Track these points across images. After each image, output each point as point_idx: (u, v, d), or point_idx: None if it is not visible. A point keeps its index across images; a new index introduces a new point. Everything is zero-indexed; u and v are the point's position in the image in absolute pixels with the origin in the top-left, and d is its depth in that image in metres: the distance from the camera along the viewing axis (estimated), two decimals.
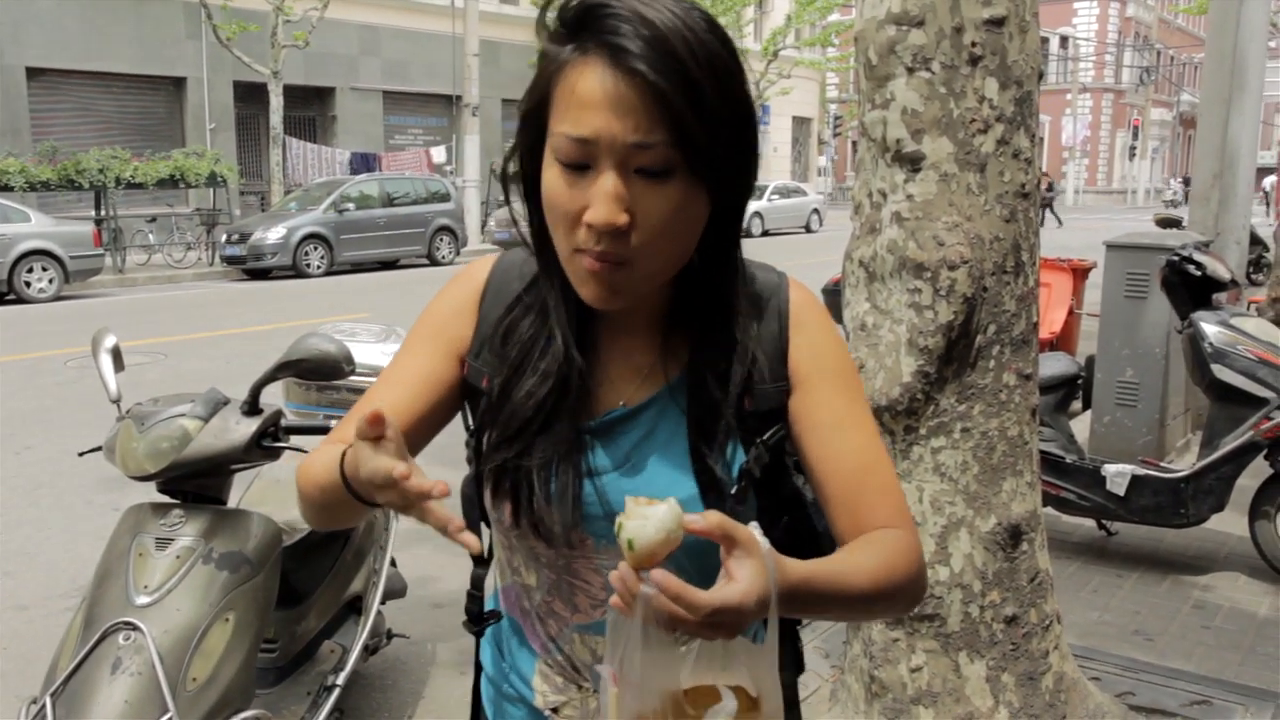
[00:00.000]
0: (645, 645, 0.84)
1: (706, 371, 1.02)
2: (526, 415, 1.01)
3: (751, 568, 0.82)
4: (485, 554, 1.15)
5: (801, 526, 1.11)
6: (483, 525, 1.11)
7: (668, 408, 1.04)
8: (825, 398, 1.04)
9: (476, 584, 1.16)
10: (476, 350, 1.07)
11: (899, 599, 1.00)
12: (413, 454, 0.98)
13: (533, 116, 0.95)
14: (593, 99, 0.87)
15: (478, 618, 1.16)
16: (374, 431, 0.81)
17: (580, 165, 0.89)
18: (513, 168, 1.00)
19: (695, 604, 0.79)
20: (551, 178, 0.92)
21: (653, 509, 0.82)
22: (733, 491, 1.01)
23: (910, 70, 2.39)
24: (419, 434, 1.05)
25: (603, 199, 0.88)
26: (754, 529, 0.84)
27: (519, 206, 1.02)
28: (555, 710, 1.11)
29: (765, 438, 1.04)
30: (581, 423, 1.02)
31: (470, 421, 1.10)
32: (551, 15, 0.92)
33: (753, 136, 0.96)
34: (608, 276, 0.92)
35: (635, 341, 1.05)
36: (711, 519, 0.82)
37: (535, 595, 1.09)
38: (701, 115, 0.87)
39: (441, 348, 1.08)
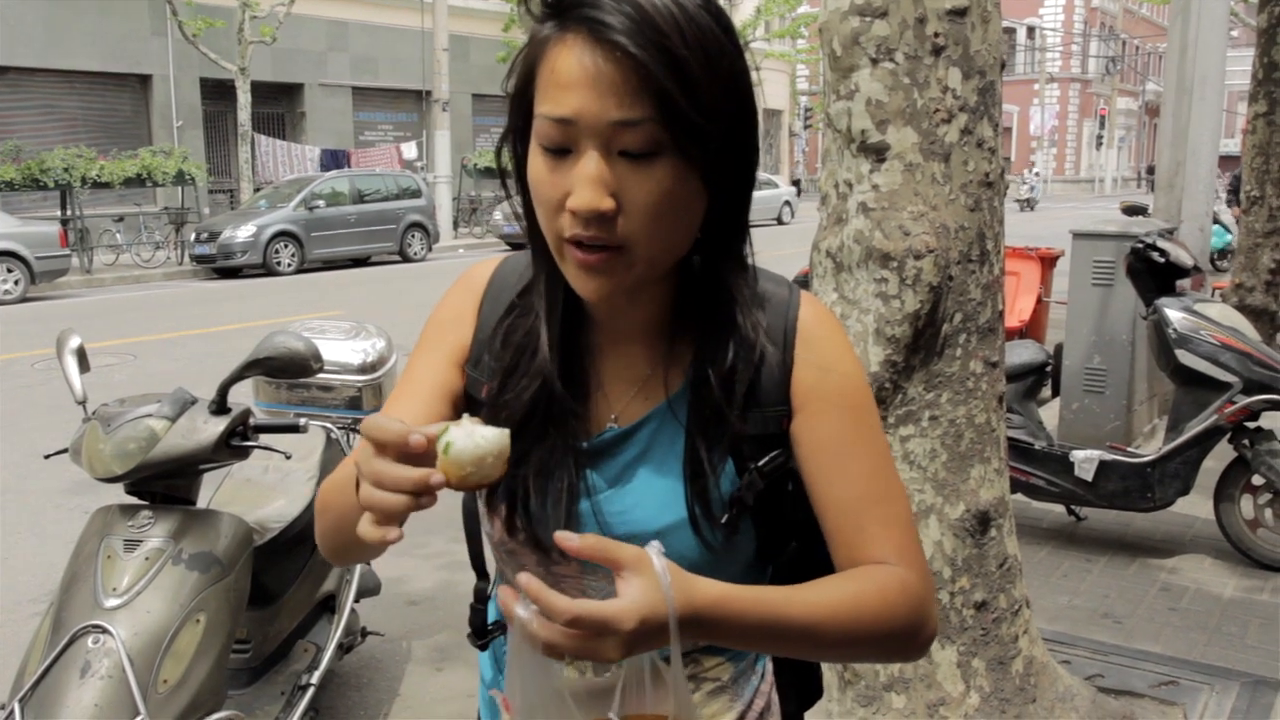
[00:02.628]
0: (522, 668, 0.81)
1: (709, 369, 0.95)
2: (516, 419, 0.96)
3: (639, 585, 0.77)
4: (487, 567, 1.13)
5: (808, 555, 1.02)
6: (485, 539, 1.08)
7: (666, 423, 0.98)
8: (830, 421, 0.96)
9: (480, 597, 1.12)
10: (475, 358, 1.03)
11: (873, 641, 0.91)
12: None
13: (519, 100, 0.90)
14: (572, 77, 0.83)
15: (481, 630, 1.12)
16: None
17: (562, 149, 0.85)
18: (506, 158, 0.94)
19: (553, 608, 0.74)
20: (535, 163, 0.88)
21: (485, 429, 0.77)
22: (723, 520, 0.96)
23: (874, 61, 2.40)
24: None
25: (584, 183, 0.83)
26: (651, 548, 0.79)
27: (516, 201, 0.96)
28: None
29: (761, 464, 0.97)
30: (577, 440, 0.98)
31: None
32: None
33: (750, 119, 0.90)
34: (600, 266, 0.87)
35: (634, 349, 0.99)
36: (588, 540, 0.77)
37: None
38: (687, 90, 0.82)
39: (445, 356, 1.04)
